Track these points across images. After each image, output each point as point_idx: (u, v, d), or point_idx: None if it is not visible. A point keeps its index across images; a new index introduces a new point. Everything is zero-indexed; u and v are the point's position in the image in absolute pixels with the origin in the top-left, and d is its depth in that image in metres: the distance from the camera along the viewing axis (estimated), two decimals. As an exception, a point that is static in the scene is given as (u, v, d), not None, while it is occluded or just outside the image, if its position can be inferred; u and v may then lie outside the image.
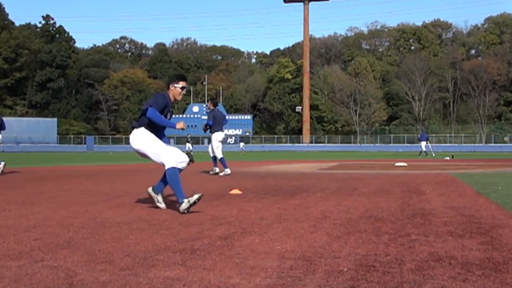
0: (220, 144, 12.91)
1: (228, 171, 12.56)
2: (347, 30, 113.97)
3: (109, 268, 2.96)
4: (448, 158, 28.46)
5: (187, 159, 5.78)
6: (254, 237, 3.98)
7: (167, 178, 5.58)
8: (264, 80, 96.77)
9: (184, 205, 5.36)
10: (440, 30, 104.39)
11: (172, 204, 6.26)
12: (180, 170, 5.65)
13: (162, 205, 5.87)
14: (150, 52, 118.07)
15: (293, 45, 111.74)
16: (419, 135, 36.57)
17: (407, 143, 68.31)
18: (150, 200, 6.65)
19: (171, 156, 5.58)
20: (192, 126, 79.56)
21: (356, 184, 9.34)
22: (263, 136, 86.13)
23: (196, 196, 5.38)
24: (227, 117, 14.66)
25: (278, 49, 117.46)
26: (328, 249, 3.51)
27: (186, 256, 3.28)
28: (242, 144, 54.18)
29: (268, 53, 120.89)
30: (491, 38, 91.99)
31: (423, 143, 34.54)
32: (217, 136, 12.82)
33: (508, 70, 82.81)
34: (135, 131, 5.75)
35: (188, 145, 45.51)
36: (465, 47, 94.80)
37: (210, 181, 10.77)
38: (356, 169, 16.24)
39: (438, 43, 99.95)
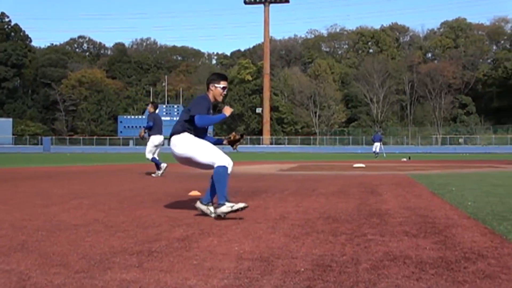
0: (155, 148, 13.01)
1: (159, 173, 12.74)
2: (307, 32, 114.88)
3: (63, 271, 2.91)
4: (405, 159, 29.03)
5: (232, 163, 5.39)
6: (212, 239, 3.98)
7: (214, 175, 5.17)
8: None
9: (224, 208, 5.00)
10: (397, 34, 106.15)
11: (129, 207, 6.19)
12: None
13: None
14: (109, 52, 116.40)
15: (253, 47, 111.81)
16: (373, 136, 37.22)
17: (366, 144, 69.13)
18: (107, 202, 6.58)
19: (222, 155, 5.25)
20: (151, 127, 78.73)
21: (315, 185, 9.42)
22: (223, 137, 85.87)
23: (241, 205, 5.01)
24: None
25: (239, 50, 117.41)
26: (285, 249, 3.53)
27: (143, 258, 3.25)
28: None
29: (228, 54, 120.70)
30: (446, 42, 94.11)
31: (377, 144, 35.18)
32: (155, 140, 12.98)
33: (463, 74, 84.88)
34: (176, 136, 5.34)
35: None
36: (421, 51, 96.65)
37: (168, 182, 10.71)
38: (315, 170, 16.38)
39: (396, 46, 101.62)
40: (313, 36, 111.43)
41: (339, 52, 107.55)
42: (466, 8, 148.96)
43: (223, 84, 5.53)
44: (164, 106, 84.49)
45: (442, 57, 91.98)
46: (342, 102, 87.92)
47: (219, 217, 5.03)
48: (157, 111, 13.56)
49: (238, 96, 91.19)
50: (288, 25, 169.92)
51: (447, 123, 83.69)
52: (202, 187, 8.77)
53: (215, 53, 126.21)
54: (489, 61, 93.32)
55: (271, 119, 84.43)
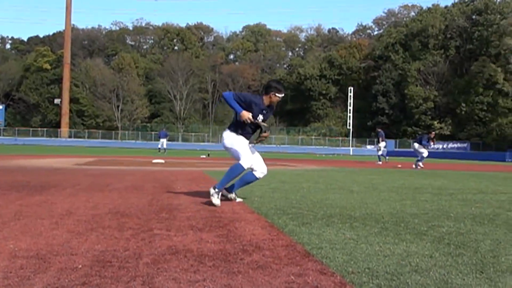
0: None
1: None
2: (111, 24, 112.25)
3: None
4: (204, 156, 29.85)
5: (266, 172, 6.34)
6: (-15, 236, 3.68)
7: (231, 168, 5.98)
8: (20, 68, 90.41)
9: (213, 194, 5.86)
10: (202, 33, 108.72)
11: None
12: (256, 179, 6.25)
13: (236, 198, 6.41)
14: None
15: (53, 34, 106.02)
16: (159, 133, 38.28)
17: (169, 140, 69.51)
18: None
19: (248, 158, 6.02)
20: None
21: (110, 180, 9.23)
22: (16, 128, 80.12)
23: (216, 202, 5.84)
24: None
25: (37, 37, 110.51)
26: (66, 246, 3.40)
27: None
28: None
29: (25, 39, 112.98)
30: (248, 45, 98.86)
31: (162, 140, 36.38)
32: None
33: (262, 76, 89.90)
34: (228, 133, 6.22)
35: None
36: (224, 52, 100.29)
37: None
38: (114, 165, 16.05)
39: (200, 45, 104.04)
40: (118, 28, 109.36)
41: (144, 47, 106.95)
42: (266, 15, 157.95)
43: (281, 95, 6.09)
44: None
45: (243, 60, 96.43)
46: (145, 97, 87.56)
47: (211, 197, 5.93)
48: None
49: (34, 85, 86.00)
50: (92, 15, 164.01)
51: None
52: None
53: (9, 37, 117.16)
54: (285, 66, 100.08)
55: (70, 111, 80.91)
